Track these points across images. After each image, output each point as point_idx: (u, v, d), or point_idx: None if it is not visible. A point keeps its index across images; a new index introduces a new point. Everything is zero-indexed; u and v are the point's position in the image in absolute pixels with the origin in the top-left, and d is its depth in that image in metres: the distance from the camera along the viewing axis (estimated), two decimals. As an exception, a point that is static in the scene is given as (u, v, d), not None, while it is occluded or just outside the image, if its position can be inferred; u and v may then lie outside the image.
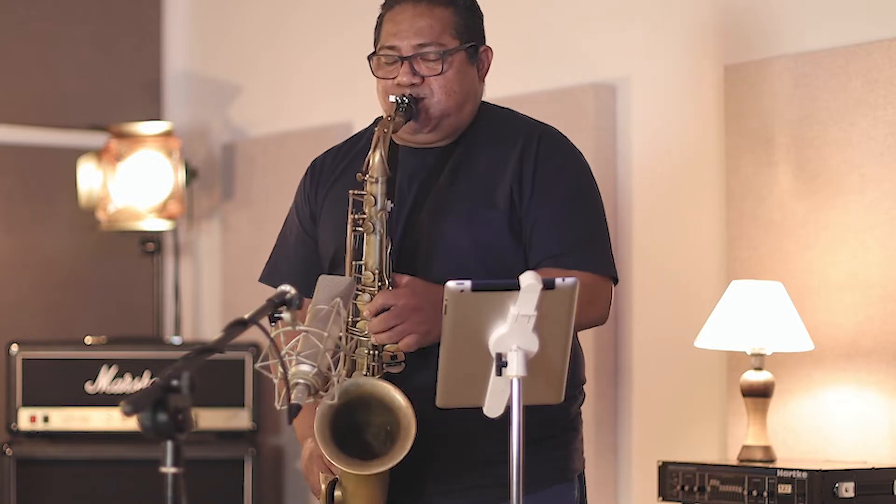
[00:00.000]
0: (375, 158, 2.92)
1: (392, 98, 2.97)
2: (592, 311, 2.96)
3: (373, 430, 2.90)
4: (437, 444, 2.92)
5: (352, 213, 2.94)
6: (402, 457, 2.82)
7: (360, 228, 2.93)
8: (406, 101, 2.95)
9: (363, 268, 2.92)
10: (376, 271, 2.91)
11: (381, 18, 3.06)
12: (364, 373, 2.91)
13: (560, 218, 2.97)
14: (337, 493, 2.92)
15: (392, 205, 2.94)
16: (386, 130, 2.93)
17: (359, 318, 2.91)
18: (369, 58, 3.04)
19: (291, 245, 3.18)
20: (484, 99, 3.12)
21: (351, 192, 2.95)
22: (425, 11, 2.99)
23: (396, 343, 2.87)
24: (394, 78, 2.99)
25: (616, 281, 3.03)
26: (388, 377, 2.90)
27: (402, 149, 3.04)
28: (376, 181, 2.92)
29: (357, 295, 2.91)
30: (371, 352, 2.90)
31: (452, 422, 2.81)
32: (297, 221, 3.18)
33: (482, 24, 3.10)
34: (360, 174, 2.93)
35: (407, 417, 2.83)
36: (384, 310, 2.86)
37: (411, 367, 2.90)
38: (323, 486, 2.93)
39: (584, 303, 2.82)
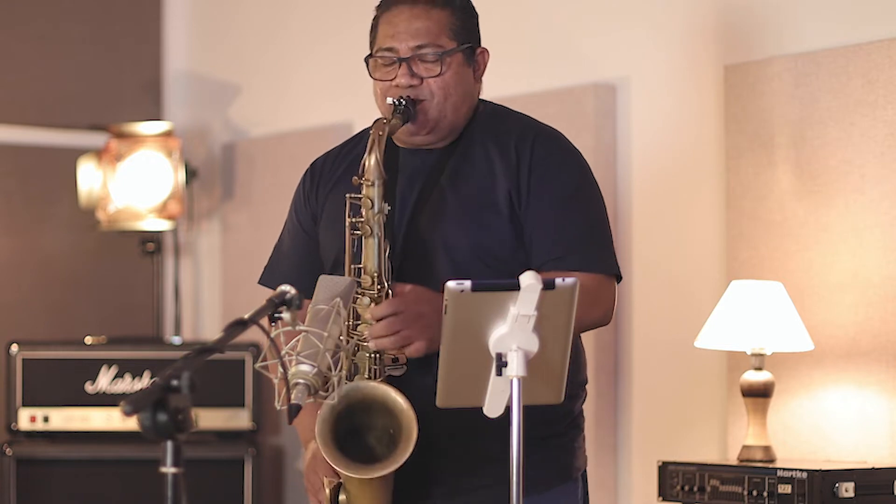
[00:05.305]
0: (371, 161, 2.91)
1: (390, 100, 2.96)
2: (595, 312, 2.95)
3: (375, 433, 2.90)
4: (441, 445, 2.92)
5: (349, 216, 2.94)
6: (403, 460, 2.82)
7: (358, 232, 2.93)
8: (404, 102, 2.95)
9: (362, 271, 2.91)
10: (375, 275, 2.90)
11: (376, 20, 3.05)
12: (366, 376, 2.90)
13: (558, 219, 2.96)
14: (341, 497, 2.92)
15: (389, 207, 2.93)
16: (381, 133, 2.92)
17: (359, 322, 2.91)
18: (366, 60, 3.03)
19: (291, 246, 3.18)
20: (482, 97, 3.12)
21: (348, 196, 2.95)
22: (422, 13, 2.99)
23: (400, 348, 2.85)
24: (392, 79, 2.98)
25: (619, 278, 3.02)
26: (389, 380, 2.90)
27: (401, 150, 3.04)
28: (372, 184, 2.91)
29: (357, 298, 2.91)
30: (372, 355, 2.90)
31: (455, 422, 2.81)
32: (296, 222, 3.17)
33: (478, 25, 3.09)
34: (356, 178, 2.93)
35: (408, 419, 2.82)
36: (389, 317, 2.85)
37: (413, 369, 2.90)
38: (327, 491, 2.93)
39: (587, 304, 2.82)
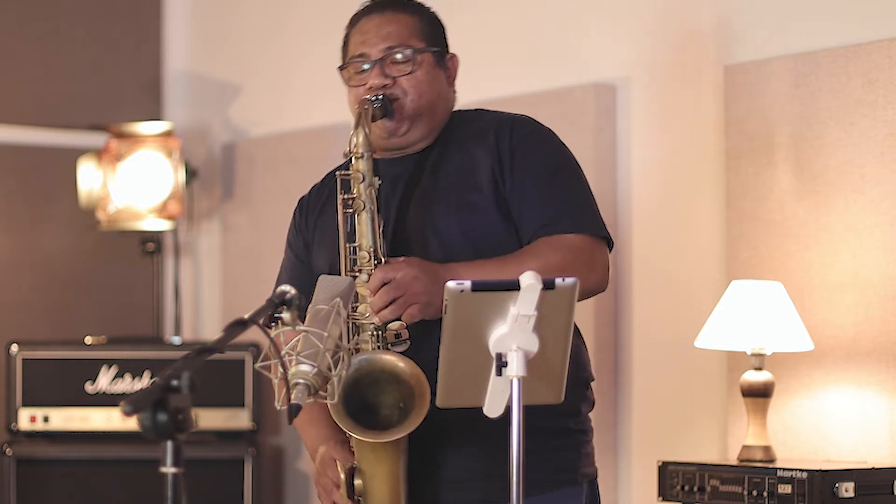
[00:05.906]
0: (359, 136, 2.95)
1: (367, 97, 3.00)
2: (592, 276, 2.97)
3: (385, 410, 2.90)
4: (449, 427, 2.93)
5: (341, 194, 2.96)
6: (419, 422, 2.82)
7: (351, 209, 2.95)
8: (381, 97, 2.99)
9: (358, 249, 2.93)
10: (371, 250, 2.92)
11: (347, 36, 3.14)
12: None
13: (544, 190, 3.00)
14: (357, 481, 2.92)
15: (380, 182, 2.95)
16: (367, 107, 2.96)
17: (358, 303, 2.91)
18: (340, 69, 3.07)
19: (287, 279, 3.19)
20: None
21: (338, 172, 2.99)
22: (392, 18, 3.07)
23: (400, 318, 2.87)
24: (366, 84, 3.02)
25: (611, 244, 3.04)
26: None
27: (381, 161, 3.05)
28: (362, 156, 2.95)
29: (356, 276, 2.92)
30: (374, 333, 2.91)
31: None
32: (291, 255, 3.21)
33: (445, 35, 3.15)
34: (344, 152, 2.96)
35: (421, 385, 2.84)
36: (384, 286, 2.87)
37: (417, 345, 2.90)
38: (342, 475, 2.93)
39: (583, 267, 2.87)
